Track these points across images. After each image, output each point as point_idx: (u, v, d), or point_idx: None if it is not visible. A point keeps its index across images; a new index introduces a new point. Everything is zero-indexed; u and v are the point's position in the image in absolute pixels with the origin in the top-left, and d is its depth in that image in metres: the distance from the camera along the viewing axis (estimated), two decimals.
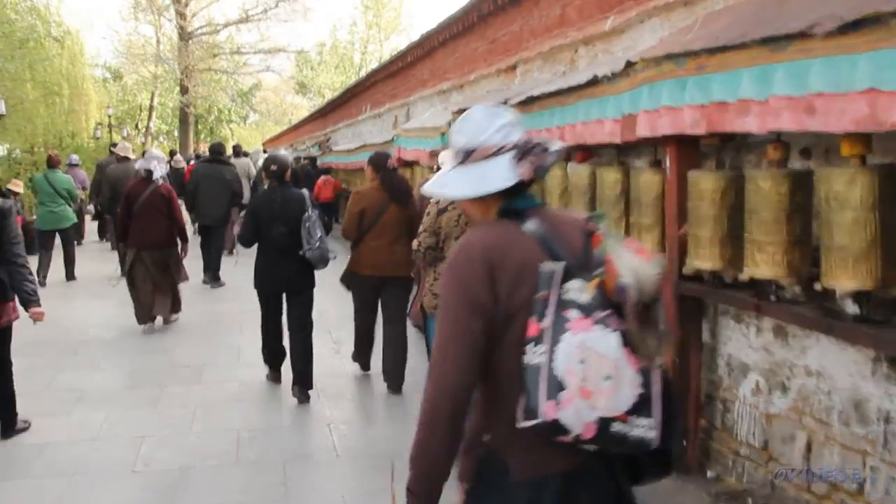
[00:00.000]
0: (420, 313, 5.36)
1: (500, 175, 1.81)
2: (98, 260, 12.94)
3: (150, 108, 42.55)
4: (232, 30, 37.83)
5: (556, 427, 1.66)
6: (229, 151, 15.70)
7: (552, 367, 1.65)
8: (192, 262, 9.65)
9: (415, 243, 5.05)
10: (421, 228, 5.02)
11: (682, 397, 4.30)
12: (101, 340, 7.52)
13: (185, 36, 34.81)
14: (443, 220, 4.90)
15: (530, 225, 1.82)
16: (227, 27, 37.33)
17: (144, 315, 7.82)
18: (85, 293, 10.29)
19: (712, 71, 3.50)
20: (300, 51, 43.76)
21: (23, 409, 5.17)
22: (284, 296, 5.80)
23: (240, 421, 5.20)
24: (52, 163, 11.38)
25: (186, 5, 35.15)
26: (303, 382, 5.64)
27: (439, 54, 11.06)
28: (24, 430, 4.98)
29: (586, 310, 1.69)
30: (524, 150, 1.83)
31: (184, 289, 8.41)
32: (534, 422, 1.66)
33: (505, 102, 6.23)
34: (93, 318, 8.51)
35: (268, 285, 5.75)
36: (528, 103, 5.78)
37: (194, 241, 10.43)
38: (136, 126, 42.55)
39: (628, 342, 1.69)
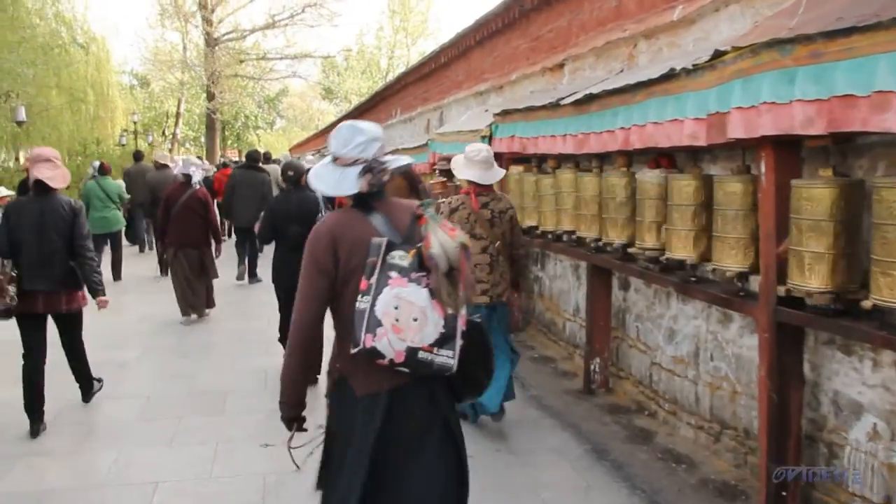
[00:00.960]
0: None
1: (349, 184, 2.48)
2: (124, 263, 12.51)
3: (177, 115, 42.44)
4: (258, 36, 37.58)
5: (372, 352, 2.29)
6: None
7: (373, 310, 2.28)
8: (226, 261, 10.25)
9: None
10: None
11: (781, 436, 3.67)
12: (118, 362, 6.95)
13: (211, 42, 34.55)
14: (454, 219, 4.90)
15: (372, 211, 2.50)
16: (254, 33, 37.06)
17: (185, 308, 8.54)
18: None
19: (833, 59, 2.88)
20: (327, 56, 43.33)
21: (27, 446, 4.85)
22: None
23: (266, 462, 4.59)
24: (103, 170, 11.95)
25: (213, 11, 34.89)
26: None
27: (476, 54, 10.48)
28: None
29: (404, 271, 2.33)
30: (369, 168, 2.46)
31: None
32: (357, 349, 2.29)
33: (556, 103, 5.65)
34: (112, 335, 7.97)
35: (282, 278, 6.15)
36: (584, 102, 5.18)
37: (228, 243, 11.08)
38: (163, 133, 42.45)
39: (435, 295, 2.32)
